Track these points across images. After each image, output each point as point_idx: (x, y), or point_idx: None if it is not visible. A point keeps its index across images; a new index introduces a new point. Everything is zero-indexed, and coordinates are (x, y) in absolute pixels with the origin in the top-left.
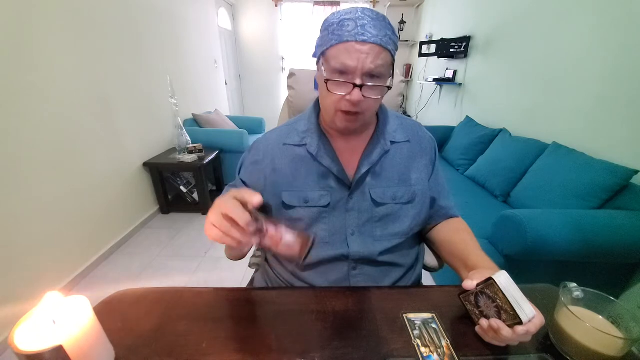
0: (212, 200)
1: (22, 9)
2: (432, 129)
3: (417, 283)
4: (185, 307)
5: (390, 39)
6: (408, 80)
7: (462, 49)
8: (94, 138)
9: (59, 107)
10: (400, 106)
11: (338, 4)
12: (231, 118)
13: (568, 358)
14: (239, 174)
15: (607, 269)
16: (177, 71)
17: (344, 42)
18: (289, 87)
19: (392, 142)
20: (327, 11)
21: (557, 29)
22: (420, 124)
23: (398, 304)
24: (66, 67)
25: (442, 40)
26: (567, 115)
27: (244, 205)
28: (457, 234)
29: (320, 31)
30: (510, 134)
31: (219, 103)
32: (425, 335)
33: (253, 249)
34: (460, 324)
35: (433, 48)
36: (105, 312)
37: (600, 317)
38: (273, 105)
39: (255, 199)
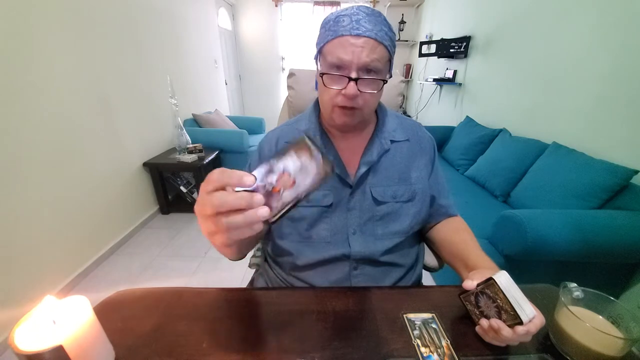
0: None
1: (22, 9)
2: (432, 129)
3: (417, 283)
4: (185, 307)
5: (386, 34)
6: (408, 80)
7: (462, 49)
8: (94, 138)
9: (59, 107)
10: (400, 106)
11: (338, 4)
12: (231, 118)
13: (568, 358)
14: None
15: (607, 269)
16: (177, 71)
17: (339, 36)
18: (289, 87)
19: (392, 141)
20: (327, 11)
21: (557, 29)
22: (419, 123)
23: (398, 304)
24: (66, 67)
25: (442, 40)
26: (567, 115)
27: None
28: (457, 234)
29: (318, 31)
30: (510, 134)
31: (219, 103)
32: (425, 335)
33: (253, 250)
34: (460, 324)
35: (433, 48)
36: (105, 312)
37: (600, 317)
38: (273, 105)
39: (247, 179)
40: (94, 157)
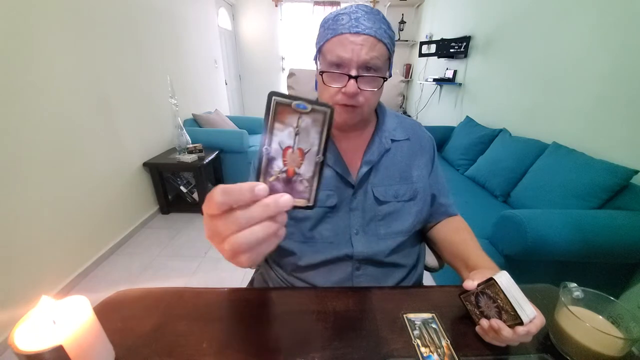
0: (206, 196)
1: (22, 9)
2: (432, 129)
3: (418, 283)
4: (185, 307)
5: (385, 32)
6: (408, 80)
7: (462, 49)
8: (94, 138)
9: (58, 107)
10: (400, 106)
11: (338, 4)
12: (231, 118)
13: (568, 358)
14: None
15: (607, 269)
16: (177, 71)
17: (338, 34)
18: (289, 87)
19: (393, 141)
20: (327, 11)
21: (557, 29)
22: (419, 123)
23: (398, 304)
24: (66, 67)
25: (442, 40)
26: (567, 115)
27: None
28: (457, 234)
29: (318, 30)
30: (510, 134)
31: (219, 103)
32: (425, 335)
33: None
34: (461, 324)
35: (433, 48)
36: (105, 312)
37: (600, 317)
38: None
39: (260, 188)
40: (94, 157)
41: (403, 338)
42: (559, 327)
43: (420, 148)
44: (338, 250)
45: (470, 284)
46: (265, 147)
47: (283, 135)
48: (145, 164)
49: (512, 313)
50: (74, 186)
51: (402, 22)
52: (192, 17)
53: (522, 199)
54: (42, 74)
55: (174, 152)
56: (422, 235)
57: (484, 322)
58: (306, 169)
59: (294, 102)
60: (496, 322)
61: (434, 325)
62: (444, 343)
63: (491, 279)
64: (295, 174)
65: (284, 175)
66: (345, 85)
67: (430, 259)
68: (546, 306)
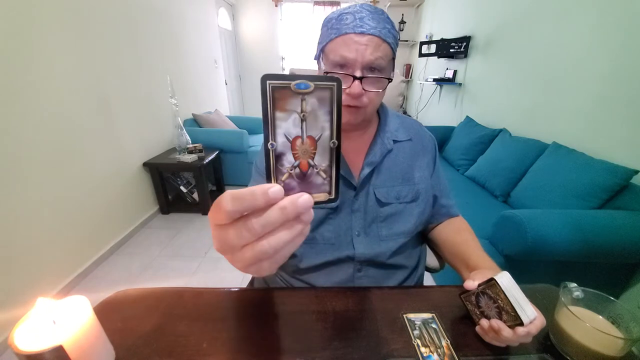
0: (213, 200)
1: (22, 9)
2: (432, 129)
3: (419, 284)
4: (185, 307)
5: (389, 32)
6: (408, 80)
7: (462, 49)
8: (94, 138)
9: (59, 107)
10: (401, 106)
11: (338, 4)
12: (231, 118)
13: (568, 358)
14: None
15: (607, 269)
16: (177, 71)
17: (342, 34)
18: None
19: (395, 141)
20: (327, 11)
21: (557, 29)
22: (420, 122)
23: (398, 304)
24: (66, 67)
25: (442, 40)
26: (567, 115)
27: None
28: (458, 234)
29: (320, 30)
30: (510, 134)
31: (219, 103)
32: (425, 335)
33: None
34: (461, 324)
35: (433, 48)
36: (105, 312)
37: (600, 317)
38: None
39: (274, 190)
40: (94, 157)
41: (403, 338)
42: (559, 327)
43: (422, 148)
44: (339, 252)
45: (471, 284)
46: (270, 142)
47: (288, 125)
48: (145, 164)
49: (513, 313)
50: (74, 186)
51: (402, 22)
52: (192, 17)
53: (522, 199)
54: (42, 74)
55: (174, 152)
56: (423, 236)
57: (484, 322)
58: (321, 159)
59: (293, 83)
60: (496, 323)
61: (434, 325)
62: (444, 343)
63: (492, 279)
64: (310, 166)
65: (297, 170)
66: (349, 86)
67: (431, 260)
68: (546, 306)
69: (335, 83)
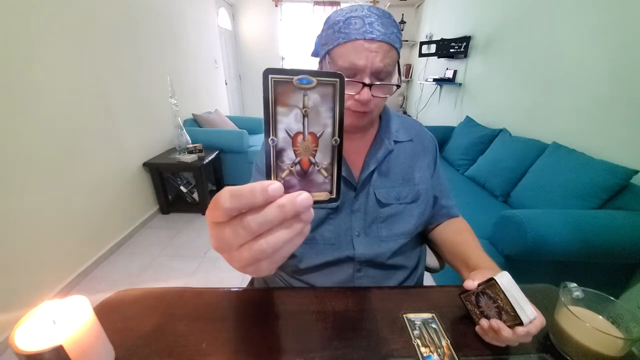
0: (210, 201)
1: (22, 9)
2: (432, 129)
3: (419, 284)
4: (185, 307)
5: (396, 36)
6: (408, 80)
7: (462, 49)
8: (94, 138)
9: (58, 106)
10: (401, 106)
11: (338, 3)
12: (231, 118)
13: (568, 358)
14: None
15: (607, 269)
16: (177, 71)
17: (352, 40)
18: None
19: (396, 142)
20: (327, 11)
21: (557, 29)
22: (420, 123)
23: (398, 304)
24: (66, 67)
25: (442, 40)
26: (567, 115)
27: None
28: (458, 234)
29: (323, 29)
30: (510, 134)
31: (219, 103)
32: (425, 335)
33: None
34: (461, 324)
35: (433, 48)
36: (105, 312)
37: (600, 317)
38: None
39: (274, 187)
40: (94, 158)
41: (403, 338)
42: (559, 327)
43: (423, 149)
44: (339, 252)
45: (471, 283)
46: (270, 138)
47: (289, 120)
48: (145, 164)
49: (512, 313)
50: (73, 186)
51: (402, 22)
52: (192, 17)
53: (522, 199)
54: (42, 74)
55: (174, 152)
56: (423, 237)
57: (483, 322)
58: (322, 156)
59: (296, 78)
60: (496, 322)
61: (434, 325)
62: (444, 343)
63: (492, 279)
64: (311, 163)
65: (297, 167)
66: (358, 93)
67: (431, 260)
68: (546, 306)
69: (337, 79)
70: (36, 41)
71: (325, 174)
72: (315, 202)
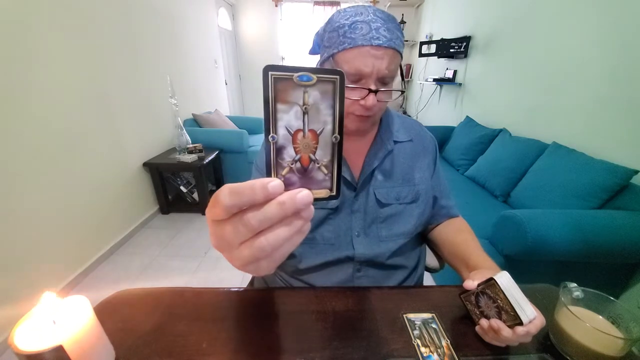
0: (210, 199)
1: (21, 8)
2: (432, 129)
3: (419, 284)
4: (185, 307)
5: (401, 41)
6: (408, 80)
7: (462, 49)
8: (94, 138)
9: (58, 107)
10: (401, 106)
11: (338, 4)
12: (231, 118)
13: (568, 358)
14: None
15: (607, 269)
16: (177, 71)
17: (358, 46)
18: None
19: (396, 142)
20: (327, 11)
21: (557, 29)
22: (420, 123)
23: (398, 304)
24: (66, 67)
25: (442, 40)
26: (567, 115)
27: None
28: (458, 234)
29: (327, 30)
30: (510, 134)
31: (219, 103)
32: (425, 335)
33: None
34: (460, 324)
35: (433, 48)
36: (105, 312)
37: (600, 317)
38: None
39: (274, 184)
40: (94, 158)
41: (403, 338)
42: (559, 327)
43: (422, 149)
44: (339, 252)
45: (471, 283)
46: (270, 135)
47: (289, 117)
48: (145, 164)
49: (512, 313)
50: (73, 186)
51: (402, 22)
52: (192, 17)
53: (522, 199)
54: (42, 74)
55: (174, 152)
56: (423, 237)
57: (483, 322)
58: (322, 153)
59: (296, 75)
60: (496, 322)
61: (434, 325)
62: (444, 343)
63: (491, 279)
64: (311, 161)
65: (298, 165)
66: (364, 99)
67: (431, 260)
68: (546, 306)
69: (337, 76)
70: (36, 41)
71: (326, 171)
72: (316, 200)
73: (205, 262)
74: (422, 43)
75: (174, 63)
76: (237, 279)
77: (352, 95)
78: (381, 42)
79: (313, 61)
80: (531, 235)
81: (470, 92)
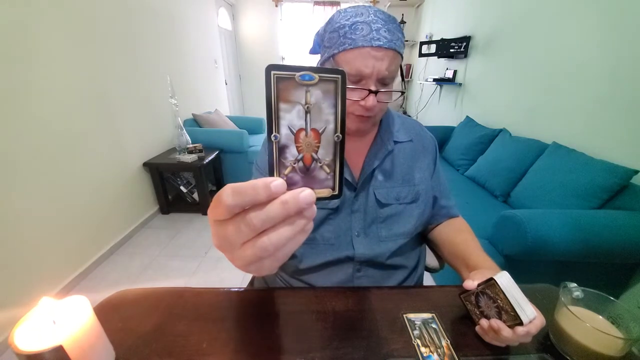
0: (212, 199)
1: (21, 8)
2: (432, 129)
3: (419, 284)
4: (185, 307)
5: (401, 42)
6: (408, 81)
7: (462, 49)
8: (94, 138)
9: (58, 107)
10: (401, 106)
11: (338, 4)
12: (231, 118)
13: (568, 358)
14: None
15: (607, 269)
16: (177, 71)
17: (358, 47)
18: None
19: (396, 142)
20: (327, 11)
21: (557, 29)
22: (420, 123)
23: (398, 304)
24: (66, 67)
25: (442, 40)
26: (567, 115)
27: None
28: (458, 234)
29: (327, 31)
30: (510, 134)
31: (219, 103)
32: (425, 335)
33: None
34: (460, 324)
35: (433, 48)
36: (105, 312)
37: (600, 317)
38: None
39: (276, 183)
40: (94, 158)
41: (403, 338)
42: (559, 327)
43: (422, 149)
44: (339, 252)
45: (471, 283)
46: (273, 134)
47: (292, 117)
48: (145, 164)
49: (512, 313)
50: (74, 186)
51: (402, 22)
52: (192, 17)
53: (522, 199)
54: (42, 74)
55: (174, 152)
56: (422, 237)
57: (483, 322)
58: (325, 153)
59: (298, 74)
60: (496, 322)
61: (434, 325)
62: (444, 343)
63: (491, 279)
64: (314, 160)
65: (300, 164)
66: (364, 99)
67: (431, 260)
68: (546, 306)
69: (339, 75)
70: (36, 41)
71: (328, 171)
72: (318, 199)
73: (205, 262)
74: (422, 43)
75: (174, 63)
76: (237, 279)
77: (352, 95)
78: (381, 43)
79: (313, 61)
80: (531, 235)
81: (470, 92)
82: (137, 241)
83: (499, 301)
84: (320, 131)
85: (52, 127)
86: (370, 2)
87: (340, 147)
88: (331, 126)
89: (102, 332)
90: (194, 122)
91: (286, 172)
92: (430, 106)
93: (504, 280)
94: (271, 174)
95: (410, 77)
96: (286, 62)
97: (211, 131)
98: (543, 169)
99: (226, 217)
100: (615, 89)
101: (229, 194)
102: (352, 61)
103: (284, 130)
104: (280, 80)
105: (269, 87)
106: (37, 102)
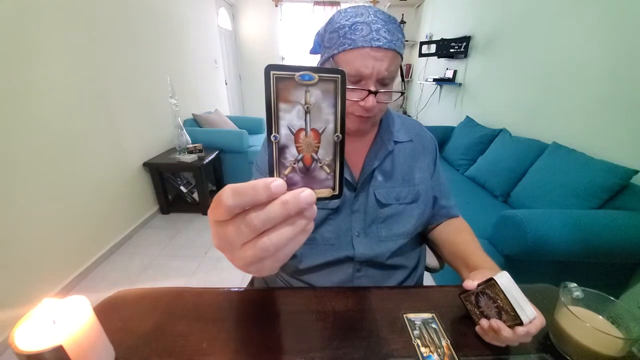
0: (212, 199)
1: (21, 8)
2: (432, 129)
3: (419, 284)
4: (185, 307)
5: (401, 42)
6: (408, 81)
7: (462, 49)
8: (94, 138)
9: (58, 107)
10: (401, 106)
11: (338, 4)
12: (231, 118)
13: (568, 358)
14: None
15: (607, 269)
16: (177, 71)
17: (358, 47)
18: None
19: (396, 142)
20: (327, 11)
21: (557, 29)
22: (420, 123)
23: (398, 304)
24: (66, 67)
25: (442, 40)
26: (567, 115)
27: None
28: (458, 234)
29: (327, 31)
30: (510, 134)
31: (219, 103)
32: (425, 335)
33: None
34: (460, 324)
35: (433, 48)
36: (105, 312)
37: (600, 317)
38: None
39: (277, 184)
40: (94, 158)
41: (403, 338)
42: (559, 327)
43: (422, 149)
44: (339, 252)
45: (471, 283)
46: (273, 134)
47: (291, 117)
48: (145, 164)
49: (512, 313)
50: (73, 186)
51: (402, 22)
52: (192, 17)
53: (522, 199)
54: (42, 74)
55: (174, 152)
56: (422, 237)
57: (483, 322)
58: (325, 153)
59: (297, 74)
60: (496, 322)
61: (434, 325)
62: (444, 343)
63: (491, 279)
64: (314, 160)
65: (300, 164)
66: (363, 99)
67: (431, 260)
68: (546, 306)
69: (339, 75)
70: (36, 41)
71: (328, 170)
72: (318, 199)
73: (205, 262)
74: (422, 43)
75: (174, 63)
76: (237, 279)
77: (352, 96)
78: (381, 43)
79: (314, 61)
80: (531, 235)
81: (470, 92)
82: (137, 241)
83: (499, 301)
84: (320, 131)
85: (52, 127)
86: (370, 2)
87: (340, 147)
88: (331, 126)
89: (102, 332)
90: (194, 122)
91: (286, 172)
92: (430, 106)
93: (504, 280)
94: (271, 174)
95: (410, 77)
96: (286, 62)
97: (211, 131)
98: (543, 169)
99: (226, 217)
100: (615, 89)
101: (229, 194)
102: (351, 61)
103: (284, 131)
104: (280, 80)
105: (269, 87)
106: (37, 102)
